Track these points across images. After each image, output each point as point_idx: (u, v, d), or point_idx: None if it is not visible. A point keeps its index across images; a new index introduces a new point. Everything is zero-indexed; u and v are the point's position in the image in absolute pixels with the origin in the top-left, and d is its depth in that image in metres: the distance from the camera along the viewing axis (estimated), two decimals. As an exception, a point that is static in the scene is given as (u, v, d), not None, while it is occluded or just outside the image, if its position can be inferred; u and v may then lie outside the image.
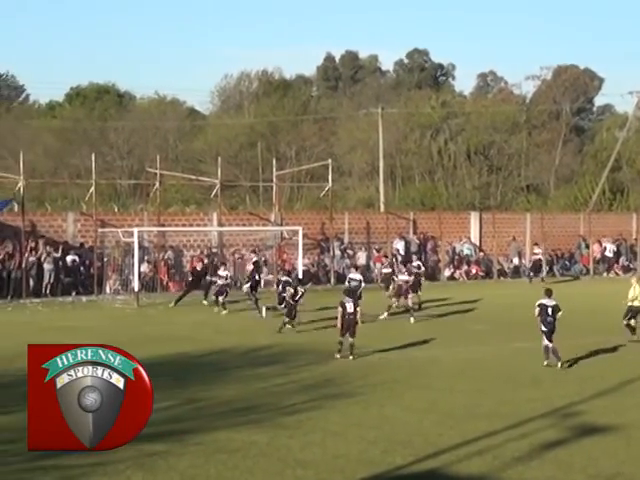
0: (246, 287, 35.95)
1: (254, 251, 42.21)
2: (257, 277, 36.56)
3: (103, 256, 42.36)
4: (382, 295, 35.34)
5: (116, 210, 51.24)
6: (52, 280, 40.67)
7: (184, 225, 46.14)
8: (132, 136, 78.59)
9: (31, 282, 40.14)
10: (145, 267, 42.63)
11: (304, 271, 40.79)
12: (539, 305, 23.66)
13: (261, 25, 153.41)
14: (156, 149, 69.27)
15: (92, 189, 43.48)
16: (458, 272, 51.29)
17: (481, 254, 53.02)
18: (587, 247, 55.20)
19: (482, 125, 79.66)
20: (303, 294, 30.15)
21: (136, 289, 38.79)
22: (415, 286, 34.51)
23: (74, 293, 41.04)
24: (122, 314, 35.82)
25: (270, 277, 42.23)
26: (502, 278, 51.77)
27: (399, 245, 49.98)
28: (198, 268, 39.12)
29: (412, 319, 32.33)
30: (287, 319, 29.62)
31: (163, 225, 44.94)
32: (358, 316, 24.65)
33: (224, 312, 34.60)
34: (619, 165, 73.06)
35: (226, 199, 58.04)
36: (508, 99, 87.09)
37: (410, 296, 33.36)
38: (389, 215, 51.84)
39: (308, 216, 50.07)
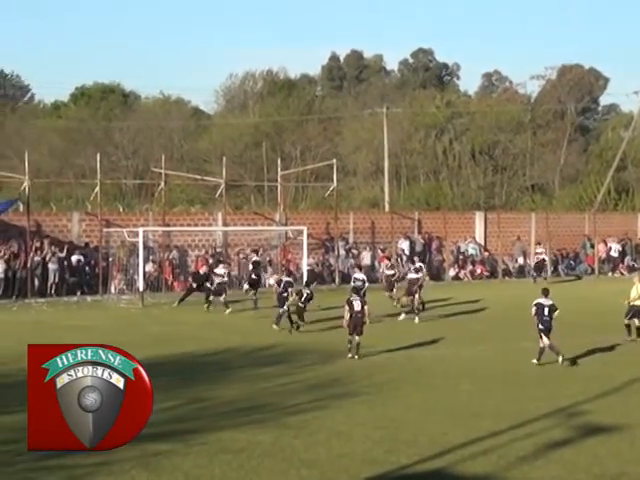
0: (245, 286, 36.13)
1: (255, 251, 41.99)
2: (255, 276, 36.50)
3: (108, 256, 42.39)
4: (385, 296, 35.45)
5: (121, 210, 51.25)
6: (57, 280, 40.69)
7: (189, 225, 46.16)
8: (137, 136, 78.62)
9: (36, 282, 40.18)
10: (150, 267, 42.65)
11: (309, 271, 40.80)
12: (536, 304, 23.73)
13: (266, 25, 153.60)
14: (161, 149, 69.32)
15: (97, 189, 43.51)
16: (463, 272, 51.26)
17: (486, 254, 52.97)
18: (592, 247, 55.15)
19: (487, 125, 79.58)
20: (308, 296, 29.80)
21: (141, 289, 38.82)
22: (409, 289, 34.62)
23: (79, 293, 41.08)
24: (127, 314, 35.85)
25: (274, 278, 42.04)
26: (507, 278, 51.71)
27: (404, 245, 49.97)
28: (201, 272, 38.44)
29: (417, 319, 32.34)
30: (300, 321, 29.44)
31: (168, 225, 44.96)
32: (366, 315, 24.63)
33: (227, 311, 34.63)
34: (624, 165, 73.00)
35: (231, 199, 58.02)
36: (513, 99, 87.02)
37: (416, 296, 33.42)
38: (394, 215, 51.79)
39: (313, 216, 50.05)
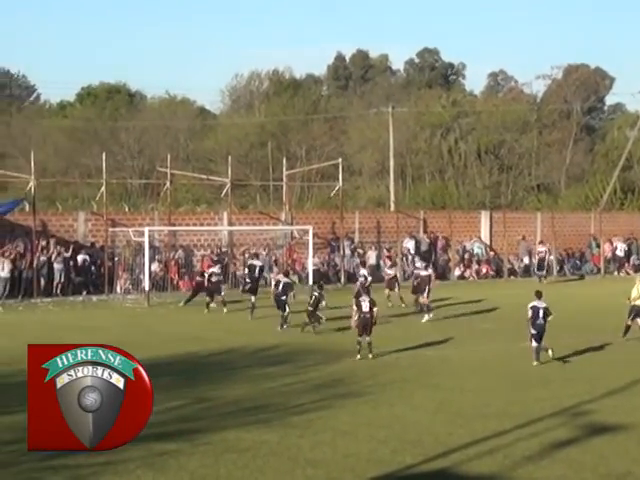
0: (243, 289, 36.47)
1: (256, 255, 41.41)
2: (249, 279, 36.14)
3: (114, 255, 42.46)
4: (386, 295, 35.56)
5: (127, 210, 51.30)
6: (63, 279, 40.74)
7: (194, 224, 46.19)
8: (143, 136, 78.65)
9: (42, 281, 40.22)
10: (156, 266, 42.68)
11: (314, 270, 40.81)
12: (532, 307, 23.67)
13: (271, 24, 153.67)
14: (167, 148, 69.25)
15: (103, 189, 43.53)
16: (468, 271, 51.22)
17: (491, 253, 52.95)
18: (598, 246, 55.11)
19: (492, 124, 79.55)
20: (317, 297, 29.21)
21: (147, 288, 38.87)
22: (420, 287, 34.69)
23: (85, 292, 41.13)
24: (133, 313, 35.88)
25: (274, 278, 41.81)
26: (512, 277, 51.67)
27: (409, 244, 49.96)
28: (206, 274, 37.82)
29: (426, 316, 32.38)
30: (315, 322, 29.17)
31: (174, 224, 44.98)
32: (375, 316, 24.53)
33: (225, 310, 34.69)
34: (630, 164, 72.95)
35: (236, 198, 58.01)
36: (519, 98, 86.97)
37: (425, 294, 33.44)
38: (399, 214, 51.78)
39: (318, 215, 50.06)
